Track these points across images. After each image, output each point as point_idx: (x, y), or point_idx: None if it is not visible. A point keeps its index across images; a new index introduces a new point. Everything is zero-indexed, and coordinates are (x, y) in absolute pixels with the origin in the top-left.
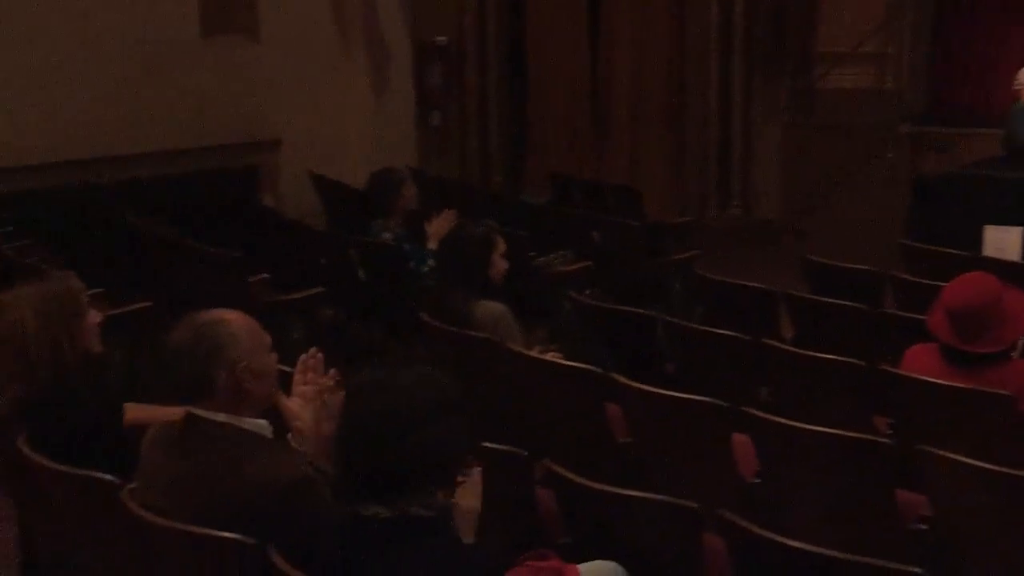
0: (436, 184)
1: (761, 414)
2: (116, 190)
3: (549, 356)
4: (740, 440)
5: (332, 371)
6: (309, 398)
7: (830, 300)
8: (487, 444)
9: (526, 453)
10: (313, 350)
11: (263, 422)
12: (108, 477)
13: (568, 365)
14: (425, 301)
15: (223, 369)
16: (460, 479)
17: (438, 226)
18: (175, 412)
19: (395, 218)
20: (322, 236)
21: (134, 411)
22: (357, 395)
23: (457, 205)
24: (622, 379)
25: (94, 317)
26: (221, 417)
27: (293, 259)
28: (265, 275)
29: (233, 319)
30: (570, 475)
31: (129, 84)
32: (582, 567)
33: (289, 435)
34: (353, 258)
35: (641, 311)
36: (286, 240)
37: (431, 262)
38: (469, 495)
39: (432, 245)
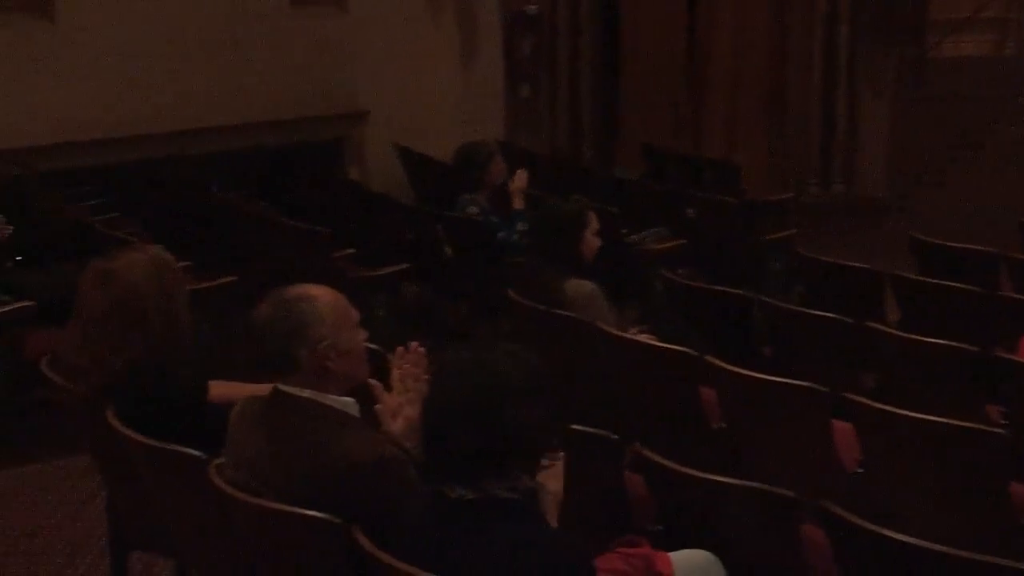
0: (525, 157)
1: (864, 400)
2: (203, 163)
3: (641, 337)
4: (841, 428)
5: (418, 350)
6: (402, 389)
7: (940, 282)
8: (576, 427)
9: (616, 437)
10: (414, 344)
11: (349, 400)
12: (195, 452)
13: (660, 347)
14: (513, 278)
15: (306, 347)
16: (544, 463)
17: (519, 181)
18: (262, 388)
19: (483, 193)
20: (408, 211)
21: (220, 387)
22: (444, 375)
23: (547, 180)
24: (717, 362)
25: (188, 287)
26: (306, 393)
27: (379, 234)
28: (351, 250)
29: (319, 295)
30: (662, 460)
31: (217, 56)
32: (674, 555)
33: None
34: (439, 234)
35: (737, 291)
36: (372, 215)
37: (521, 225)
38: (552, 479)
39: (518, 204)
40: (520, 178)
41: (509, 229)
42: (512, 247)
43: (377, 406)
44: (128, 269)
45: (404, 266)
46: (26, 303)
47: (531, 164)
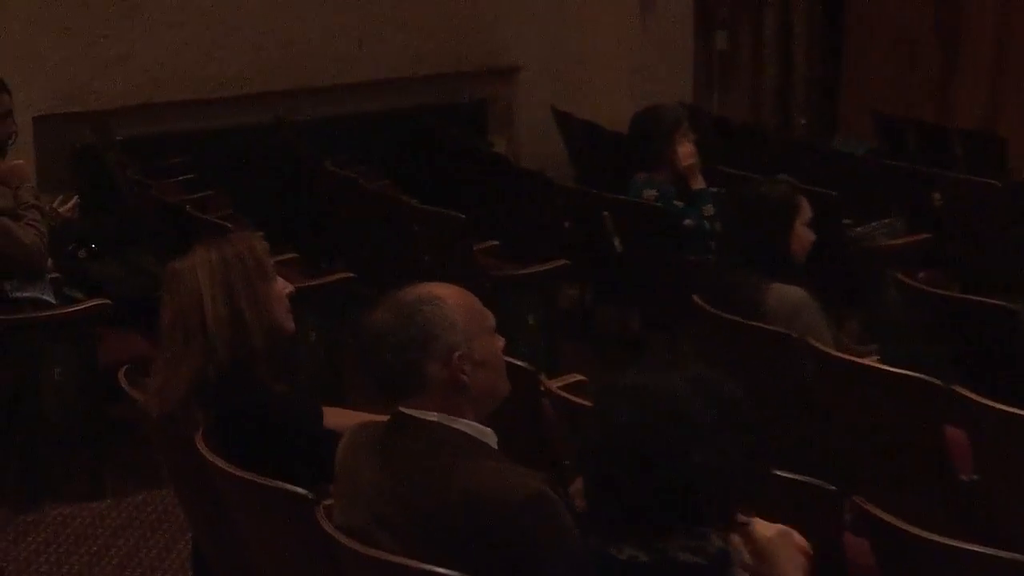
0: (719, 126)
1: None
2: (314, 130)
3: (866, 359)
4: None
5: None
6: None
7: None
8: (781, 473)
9: (833, 488)
10: None
11: (487, 429)
12: (301, 491)
13: (893, 372)
14: (699, 280)
15: (436, 360)
16: (743, 518)
17: (684, 153)
18: (375, 415)
19: (663, 171)
20: (568, 193)
21: (334, 417)
22: (609, 403)
23: (747, 154)
24: (968, 394)
25: (283, 287)
26: (433, 417)
27: (530, 222)
28: (493, 242)
29: (447, 296)
30: (893, 520)
31: (330, 0)
32: None
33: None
34: (607, 223)
35: (999, 303)
36: (521, 197)
37: (708, 208)
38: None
39: (696, 182)
40: (688, 149)
41: (692, 210)
42: (699, 237)
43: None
44: (189, 270)
45: (561, 263)
46: (101, 301)
47: (726, 134)
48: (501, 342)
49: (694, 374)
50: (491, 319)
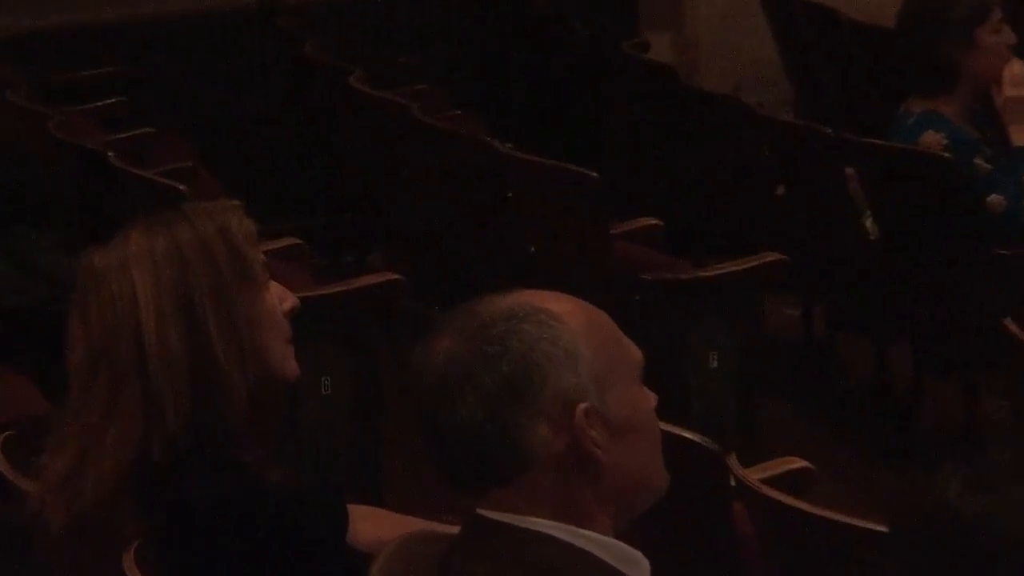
0: None
1: None
2: (329, 18)
3: None
4: None
5: None
6: None
7: None
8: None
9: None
10: None
11: (635, 554)
12: None
13: None
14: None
15: (543, 417)
16: None
17: (998, 70)
18: (430, 523)
19: (959, 101)
20: (781, 131)
21: (366, 525)
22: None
23: None
24: None
25: (278, 298)
26: (538, 525)
27: (713, 185)
28: (649, 220)
29: (565, 312)
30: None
31: None
32: None
33: None
34: (853, 187)
35: None
36: (699, 140)
37: None
38: None
39: (1019, 135)
40: (1010, 68)
41: (1009, 185)
42: (1015, 225)
43: None
44: (119, 268)
45: (769, 258)
46: None
47: None
48: (653, 399)
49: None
50: (638, 357)
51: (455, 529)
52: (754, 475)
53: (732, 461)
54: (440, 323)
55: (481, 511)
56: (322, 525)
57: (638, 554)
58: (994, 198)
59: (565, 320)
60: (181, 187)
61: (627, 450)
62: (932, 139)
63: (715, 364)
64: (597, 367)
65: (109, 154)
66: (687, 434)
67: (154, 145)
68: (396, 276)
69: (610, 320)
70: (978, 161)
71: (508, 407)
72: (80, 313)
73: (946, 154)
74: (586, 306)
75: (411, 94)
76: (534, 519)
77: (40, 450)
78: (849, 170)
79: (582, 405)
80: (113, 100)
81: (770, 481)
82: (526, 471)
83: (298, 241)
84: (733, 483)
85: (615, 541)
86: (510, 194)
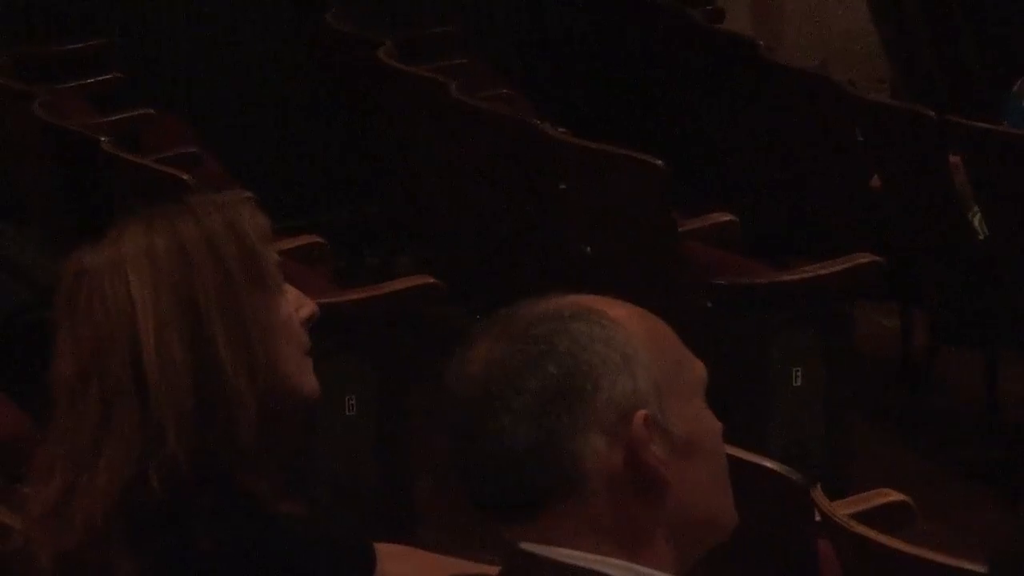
0: None
1: None
2: None
3: None
4: None
5: None
6: None
7: None
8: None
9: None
10: None
11: None
12: None
13: None
14: None
15: (598, 427)
16: None
17: None
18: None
19: None
20: (876, 112)
21: (396, 565)
22: None
23: None
24: None
25: (296, 305)
26: (591, 560)
27: (797, 176)
28: (722, 216)
29: (621, 317)
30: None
31: None
32: None
33: None
34: (959, 178)
35: None
36: (782, 123)
37: None
38: None
39: None
40: None
41: None
42: None
43: None
44: (115, 272)
45: (862, 260)
46: None
47: None
48: (719, 424)
49: None
50: (702, 373)
51: (495, 570)
52: (842, 509)
53: (818, 494)
54: (477, 331)
55: (525, 545)
56: (344, 567)
57: None
58: None
59: (620, 322)
60: (184, 176)
61: (691, 473)
62: None
63: (799, 382)
64: (657, 374)
65: (101, 139)
66: (767, 463)
67: (152, 128)
68: (429, 280)
69: (671, 330)
70: None
71: (556, 415)
72: (67, 319)
73: None
74: (644, 312)
75: (448, 69)
76: (584, 554)
77: (22, 478)
78: (954, 158)
79: (641, 413)
80: (106, 76)
81: (861, 516)
82: (577, 491)
83: (317, 239)
84: (818, 518)
85: None
86: (563, 186)
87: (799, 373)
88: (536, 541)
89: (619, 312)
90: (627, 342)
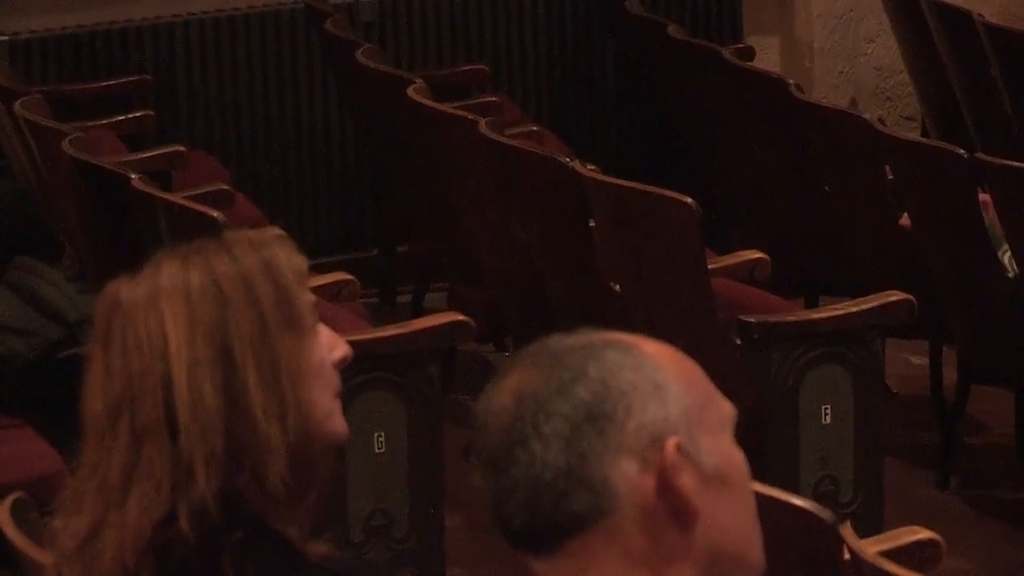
0: None
1: None
2: (381, 16)
3: None
4: None
5: None
6: None
7: None
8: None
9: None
10: None
11: None
12: None
13: None
14: None
15: (629, 452)
16: None
17: None
18: None
19: None
20: (911, 152)
21: None
22: None
23: None
24: None
25: (329, 346)
26: None
27: (828, 214)
28: (753, 253)
29: (654, 353)
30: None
31: None
32: None
33: None
34: (993, 218)
35: None
36: (812, 161)
37: None
38: None
39: None
40: None
41: None
42: None
43: None
44: (149, 309)
45: (893, 299)
46: None
47: None
48: (746, 462)
49: None
50: (730, 411)
51: None
52: (872, 547)
53: (847, 531)
54: (507, 364)
55: None
56: None
57: None
58: None
59: (651, 355)
60: (215, 214)
61: (721, 507)
62: None
63: (828, 420)
64: (687, 405)
65: (132, 176)
66: (796, 500)
67: (184, 166)
68: (459, 317)
69: (700, 369)
70: None
71: (587, 439)
72: (101, 351)
73: None
74: (673, 349)
75: (479, 107)
76: None
77: (52, 512)
78: (984, 196)
79: (673, 439)
80: (137, 114)
81: (890, 554)
82: (608, 517)
83: (347, 276)
84: (848, 556)
85: None
86: (592, 223)
87: (828, 411)
88: (566, 574)
89: (649, 347)
90: (657, 372)
